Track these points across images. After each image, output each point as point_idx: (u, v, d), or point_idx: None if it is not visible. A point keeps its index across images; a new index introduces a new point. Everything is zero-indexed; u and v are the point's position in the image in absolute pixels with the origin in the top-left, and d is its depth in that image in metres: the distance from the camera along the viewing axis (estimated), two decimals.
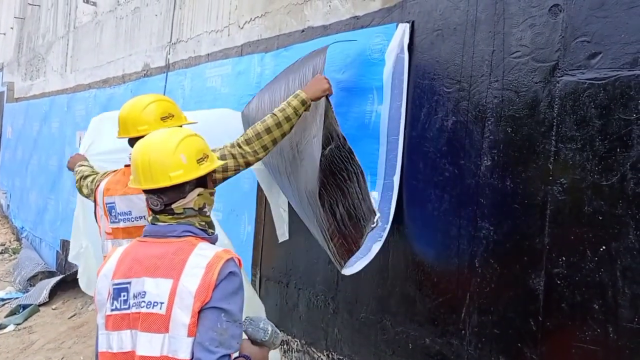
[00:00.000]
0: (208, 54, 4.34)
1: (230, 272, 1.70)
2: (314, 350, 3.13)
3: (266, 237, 3.54)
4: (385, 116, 2.61)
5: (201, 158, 1.86)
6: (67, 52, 8.02)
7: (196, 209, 1.84)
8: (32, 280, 7.17)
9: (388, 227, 2.55)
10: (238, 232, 3.73)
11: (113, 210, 2.53)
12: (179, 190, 1.80)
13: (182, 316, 1.63)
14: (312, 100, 2.42)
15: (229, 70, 3.95)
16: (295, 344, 3.27)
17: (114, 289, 1.73)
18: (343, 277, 2.92)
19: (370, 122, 2.71)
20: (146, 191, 1.82)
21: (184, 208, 1.81)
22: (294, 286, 3.30)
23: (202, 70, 4.30)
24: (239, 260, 1.77)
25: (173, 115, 2.50)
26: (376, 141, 2.64)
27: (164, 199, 1.79)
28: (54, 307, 6.34)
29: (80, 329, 5.48)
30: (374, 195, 2.63)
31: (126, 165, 2.58)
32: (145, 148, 1.83)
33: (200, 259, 1.70)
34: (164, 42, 5.07)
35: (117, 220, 2.53)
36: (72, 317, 5.92)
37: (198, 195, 1.84)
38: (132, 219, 2.46)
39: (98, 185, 2.66)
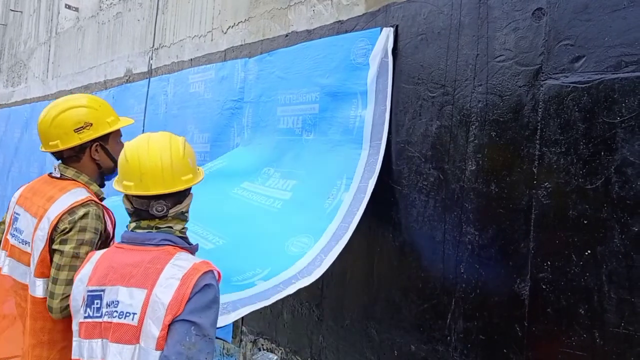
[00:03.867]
0: (191, 59, 4.30)
1: (206, 285, 1.62)
2: (299, 358, 3.09)
3: None
4: (369, 121, 2.60)
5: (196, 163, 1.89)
6: (49, 58, 7.92)
7: (185, 212, 1.82)
8: None
9: (354, 225, 2.43)
10: None
11: (16, 222, 2.17)
12: (181, 194, 1.78)
13: (153, 328, 1.57)
14: None
15: (212, 76, 3.91)
16: (280, 352, 3.22)
17: (88, 295, 1.68)
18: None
19: (354, 127, 2.68)
20: (148, 197, 1.72)
21: (175, 212, 1.78)
22: None
23: (185, 76, 4.25)
24: (219, 274, 1.71)
25: (91, 124, 2.14)
26: (359, 146, 2.62)
27: (169, 204, 1.75)
28: None
29: None
30: (345, 197, 2.56)
31: (50, 175, 2.20)
32: (152, 152, 1.74)
33: (176, 270, 1.63)
34: (146, 47, 5.02)
35: (13, 235, 2.17)
36: None
37: (190, 200, 1.85)
38: (20, 242, 2.12)
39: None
